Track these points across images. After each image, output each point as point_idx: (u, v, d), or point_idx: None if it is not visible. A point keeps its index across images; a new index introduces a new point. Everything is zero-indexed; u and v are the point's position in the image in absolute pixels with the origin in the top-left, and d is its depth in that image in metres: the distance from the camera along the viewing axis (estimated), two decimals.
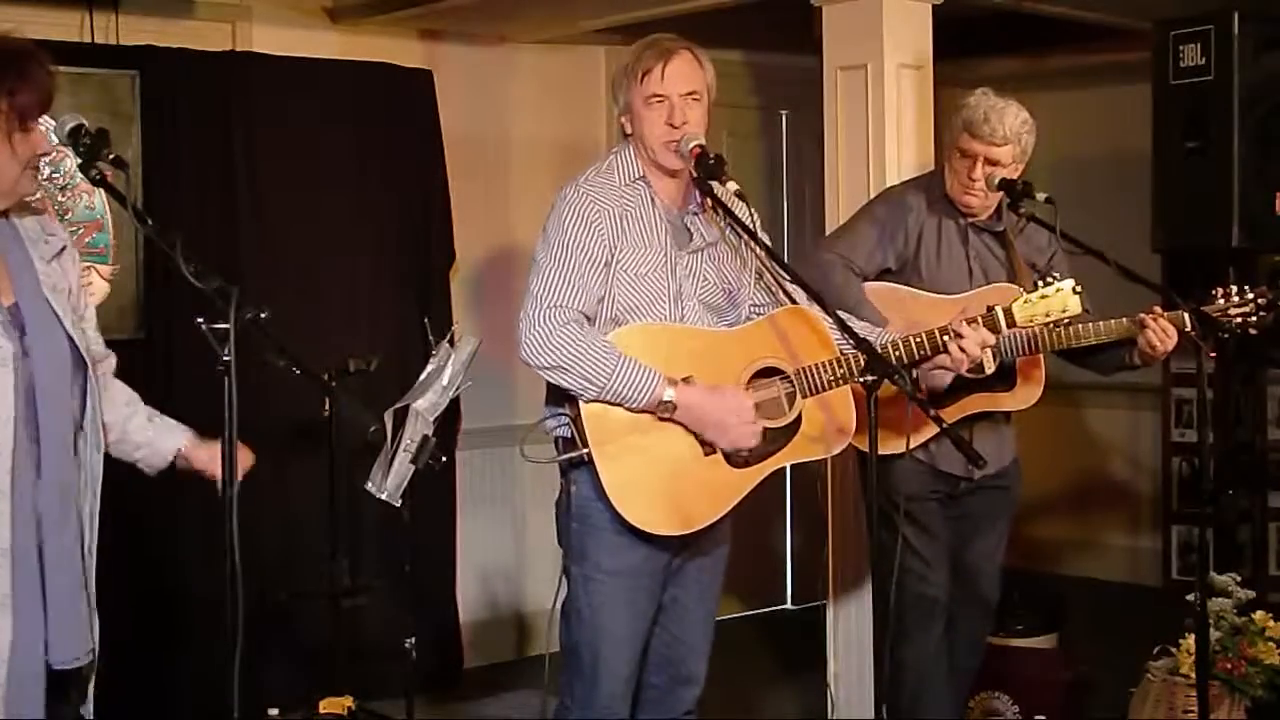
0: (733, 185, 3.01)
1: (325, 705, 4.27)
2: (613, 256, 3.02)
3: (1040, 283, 3.25)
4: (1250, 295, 3.64)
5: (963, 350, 3.17)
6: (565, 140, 5.76)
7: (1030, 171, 3.79)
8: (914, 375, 3.24)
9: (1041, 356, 3.77)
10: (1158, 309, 3.61)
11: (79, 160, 2.58)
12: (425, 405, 3.61)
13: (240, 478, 2.52)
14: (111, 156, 2.57)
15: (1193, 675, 3.87)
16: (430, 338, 3.81)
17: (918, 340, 3.19)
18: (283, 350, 2.55)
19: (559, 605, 3.12)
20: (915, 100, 4.49)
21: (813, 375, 3.08)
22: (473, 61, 5.62)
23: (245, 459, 2.68)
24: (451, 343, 3.71)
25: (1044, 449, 7.13)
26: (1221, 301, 3.64)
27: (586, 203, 3.04)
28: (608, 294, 3.02)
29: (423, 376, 3.70)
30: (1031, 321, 3.24)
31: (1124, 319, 3.67)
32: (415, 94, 5.28)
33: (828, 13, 4.58)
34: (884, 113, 4.42)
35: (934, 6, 4.55)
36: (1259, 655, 4.10)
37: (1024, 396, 3.80)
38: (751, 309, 3.20)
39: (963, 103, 3.71)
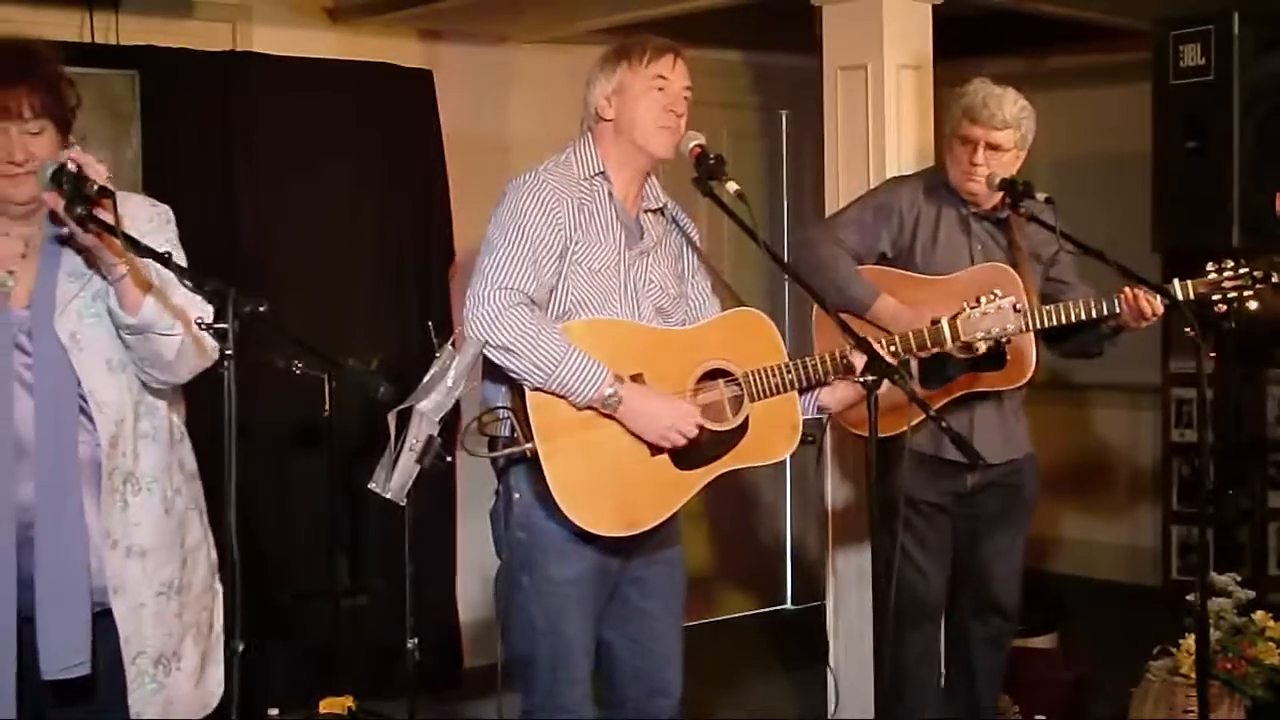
0: (733, 185, 3.00)
1: (325, 705, 4.28)
2: (568, 249, 2.97)
3: (984, 299, 3.21)
4: (1245, 269, 3.58)
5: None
6: (565, 140, 5.70)
7: (1030, 171, 3.79)
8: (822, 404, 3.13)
9: (1032, 335, 3.69)
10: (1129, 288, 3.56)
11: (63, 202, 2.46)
12: (429, 406, 3.59)
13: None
14: (96, 189, 2.46)
15: (1193, 675, 3.88)
16: (435, 340, 3.81)
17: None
18: (289, 337, 2.52)
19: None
20: (915, 100, 4.49)
21: (761, 379, 3.02)
22: (473, 61, 5.61)
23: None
24: (454, 345, 3.70)
25: (1044, 449, 7.14)
26: (1214, 275, 3.59)
27: (546, 191, 2.99)
28: (560, 286, 2.97)
29: (425, 379, 3.70)
30: (973, 336, 3.21)
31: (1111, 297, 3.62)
32: (415, 94, 5.28)
33: (828, 13, 4.58)
34: (884, 113, 4.42)
35: (934, 6, 4.55)
36: (1259, 655, 4.11)
37: (1013, 376, 3.71)
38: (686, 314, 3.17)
39: (961, 91, 3.73)
